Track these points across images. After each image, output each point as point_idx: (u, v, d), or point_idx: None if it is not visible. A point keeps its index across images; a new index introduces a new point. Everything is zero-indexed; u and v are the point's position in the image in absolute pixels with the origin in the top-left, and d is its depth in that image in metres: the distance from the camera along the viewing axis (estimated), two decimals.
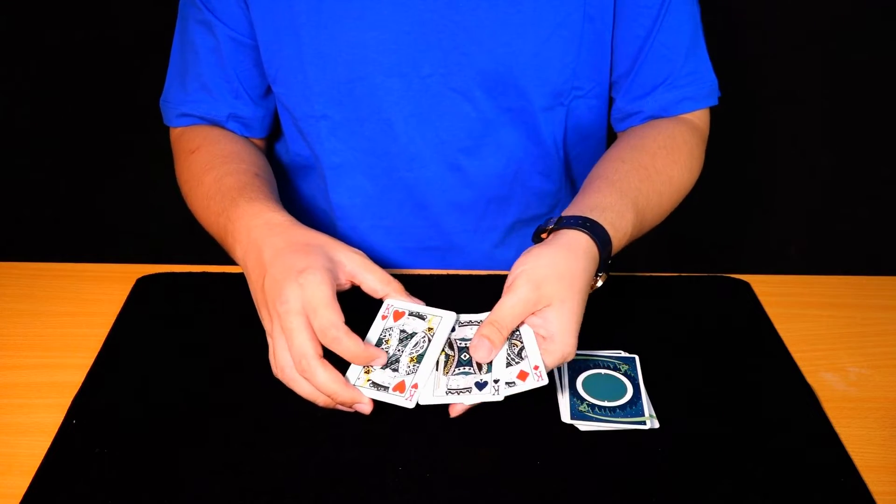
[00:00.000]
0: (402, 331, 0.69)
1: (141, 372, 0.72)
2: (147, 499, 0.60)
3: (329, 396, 0.65)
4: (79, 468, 0.62)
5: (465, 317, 0.72)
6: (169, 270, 0.86)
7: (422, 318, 0.70)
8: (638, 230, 0.78)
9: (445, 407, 0.66)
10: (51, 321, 0.80)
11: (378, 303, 0.71)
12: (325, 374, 0.64)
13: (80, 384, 0.71)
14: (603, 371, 0.72)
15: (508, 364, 0.66)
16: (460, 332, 0.71)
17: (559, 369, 0.71)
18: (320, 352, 0.64)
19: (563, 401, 0.68)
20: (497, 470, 0.62)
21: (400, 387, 0.65)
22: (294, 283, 0.65)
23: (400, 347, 0.68)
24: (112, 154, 1.64)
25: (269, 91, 0.92)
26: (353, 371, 0.67)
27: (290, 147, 0.95)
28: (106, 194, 1.69)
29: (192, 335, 0.76)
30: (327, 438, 0.65)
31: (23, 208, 1.69)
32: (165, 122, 0.92)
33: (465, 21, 0.81)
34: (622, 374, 0.71)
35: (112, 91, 1.57)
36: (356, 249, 0.70)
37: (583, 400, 0.68)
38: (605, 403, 0.68)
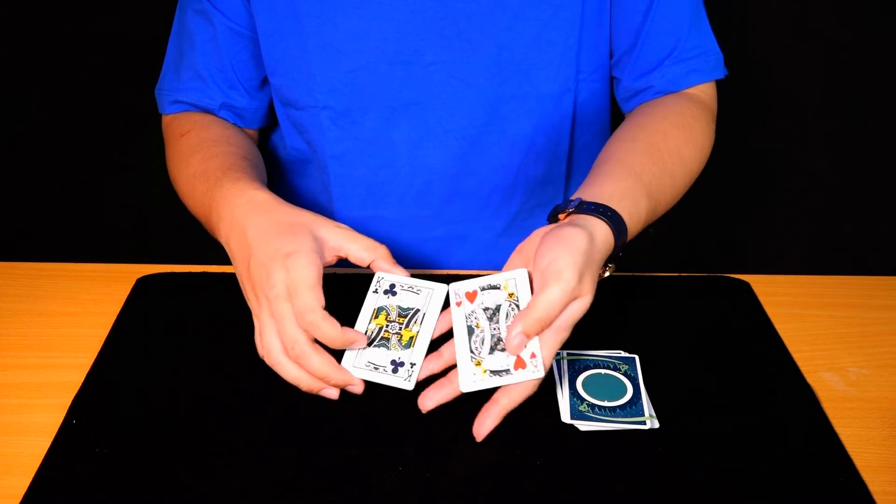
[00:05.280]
0: (486, 308, 0.66)
1: (141, 372, 0.72)
2: (147, 499, 0.60)
3: (321, 380, 0.64)
4: (79, 468, 0.62)
5: (405, 280, 0.69)
6: (169, 270, 0.86)
7: (496, 287, 0.67)
8: (651, 216, 0.76)
9: (445, 407, 0.65)
10: (51, 321, 0.80)
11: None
12: (319, 359, 0.64)
13: (80, 384, 0.71)
14: (603, 371, 0.72)
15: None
16: (403, 298, 0.69)
17: (559, 369, 0.71)
18: (311, 337, 0.64)
19: (563, 401, 0.68)
20: (497, 470, 0.62)
21: (520, 363, 0.62)
22: (282, 268, 0.64)
23: (494, 325, 0.65)
24: (112, 154, 1.64)
25: (264, 83, 0.92)
26: (467, 369, 0.64)
27: (287, 142, 0.95)
28: (106, 194, 1.68)
29: (192, 335, 0.76)
30: (327, 438, 0.65)
31: (23, 208, 1.69)
32: (160, 109, 0.92)
33: (466, 7, 0.81)
34: (622, 374, 0.71)
35: (112, 90, 1.56)
36: (341, 224, 0.69)
37: (583, 400, 0.68)
38: (605, 403, 0.68)
